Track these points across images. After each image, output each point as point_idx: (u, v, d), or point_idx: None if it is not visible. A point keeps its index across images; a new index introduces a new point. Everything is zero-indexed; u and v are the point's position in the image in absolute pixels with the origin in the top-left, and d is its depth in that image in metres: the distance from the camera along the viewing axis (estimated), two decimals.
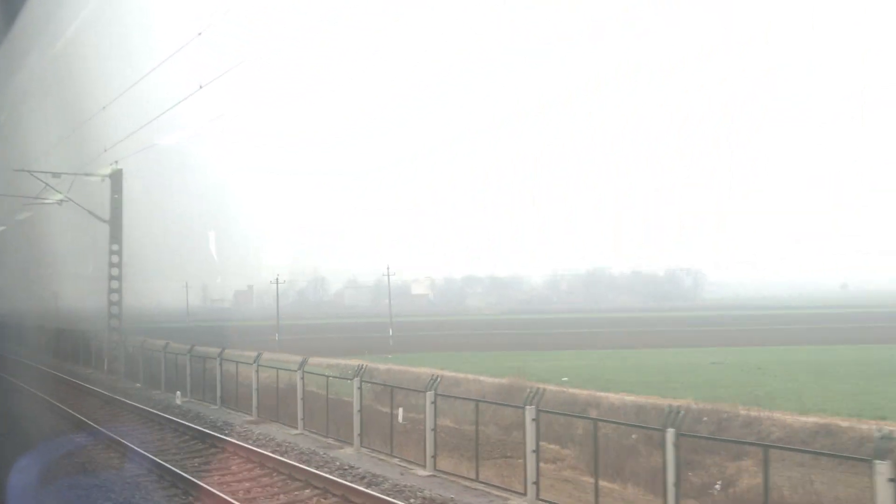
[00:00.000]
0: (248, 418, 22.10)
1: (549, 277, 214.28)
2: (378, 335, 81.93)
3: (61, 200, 30.72)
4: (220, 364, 24.40)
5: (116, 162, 30.78)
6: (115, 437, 16.82)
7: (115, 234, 30.84)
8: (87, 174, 30.55)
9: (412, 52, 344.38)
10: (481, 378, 45.99)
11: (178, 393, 24.94)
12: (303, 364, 20.60)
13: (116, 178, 30.99)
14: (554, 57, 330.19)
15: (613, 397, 37.30)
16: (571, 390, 39.90)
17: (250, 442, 17.75)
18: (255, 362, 22.58)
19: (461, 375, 47.20)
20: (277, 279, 75.62)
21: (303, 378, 20.30)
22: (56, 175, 30.01)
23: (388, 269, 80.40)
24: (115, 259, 30.94)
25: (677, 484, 11.38)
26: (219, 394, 24.22)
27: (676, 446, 11.30)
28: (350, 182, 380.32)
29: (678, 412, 11.57)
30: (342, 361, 54.69)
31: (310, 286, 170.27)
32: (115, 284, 30.98)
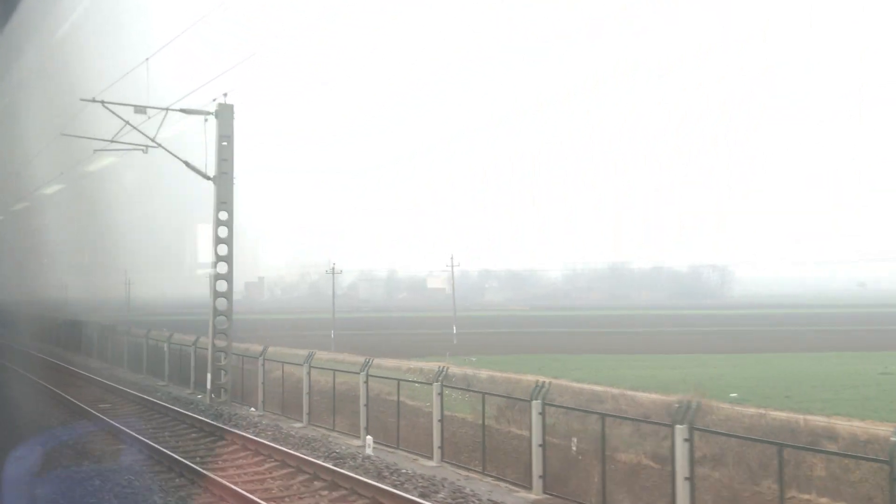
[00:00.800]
0: (530, 496, 12.97)
1: (568, 272, 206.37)
2: (433, 332, 72.91)
3: (146, 146, 21.40)
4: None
5: (225, 95, 21.57)
6: None
7: (224, 196, 21.47)
8: (182, 110, 21.24)
9: (410, 50, 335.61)
10: (629, 393, 37.07)
11: (370, 439, 15.70)
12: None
13: (225, 116, 21.68)
14: (552, 55, 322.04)
15: (858, 426, 28.59)
16: (776, 414, 31.16)
17: None
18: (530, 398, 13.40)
19: (599, 388, 38.24)
20: (333, 268, 65.79)
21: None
22: (140, 109, 20.74)
23: (451, 259, 71.14)
24: (222, 232, 21.58)
25: None
26: (437, 443, 15.09)
27: None
28: (348, 180, 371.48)
29: None
30: (423, 365, 46.08)
31: (322, 279, 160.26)
32: (222, 268, 21.63)
